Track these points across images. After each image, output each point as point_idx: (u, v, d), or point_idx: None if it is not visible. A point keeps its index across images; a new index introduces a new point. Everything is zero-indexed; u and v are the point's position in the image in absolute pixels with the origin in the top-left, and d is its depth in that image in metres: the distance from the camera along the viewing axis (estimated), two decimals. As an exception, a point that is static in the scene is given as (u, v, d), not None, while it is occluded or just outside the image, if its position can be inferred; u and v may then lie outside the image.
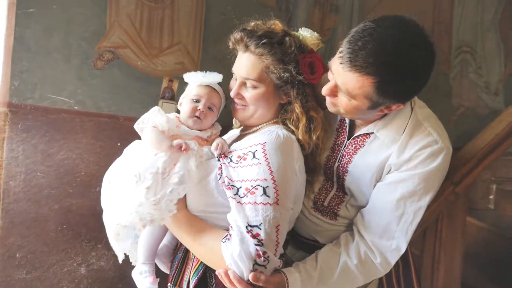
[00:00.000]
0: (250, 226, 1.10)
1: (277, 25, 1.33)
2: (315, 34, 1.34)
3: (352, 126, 1.40)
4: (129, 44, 2.17)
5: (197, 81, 1.35)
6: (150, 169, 1.19)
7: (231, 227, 1.14)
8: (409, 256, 1.57)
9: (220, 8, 2.49)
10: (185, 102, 1.34)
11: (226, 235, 1.14)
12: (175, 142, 1.21)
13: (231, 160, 1.22)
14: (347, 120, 1.39)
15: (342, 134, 1.42)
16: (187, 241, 1.26)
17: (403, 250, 1.26)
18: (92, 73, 2.03)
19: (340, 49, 1.14)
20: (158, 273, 1.44)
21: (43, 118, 1.89)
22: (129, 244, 1.45)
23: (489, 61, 2.98)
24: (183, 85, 2.36)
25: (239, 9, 2.53)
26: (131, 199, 1.17)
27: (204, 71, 1.36)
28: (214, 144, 1.27)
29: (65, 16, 1.92)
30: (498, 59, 3.00)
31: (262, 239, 1.09)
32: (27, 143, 1.88)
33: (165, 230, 1.40)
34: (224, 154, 1.25)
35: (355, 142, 1.36)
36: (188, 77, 1.38)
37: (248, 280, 1.09)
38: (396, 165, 1.26)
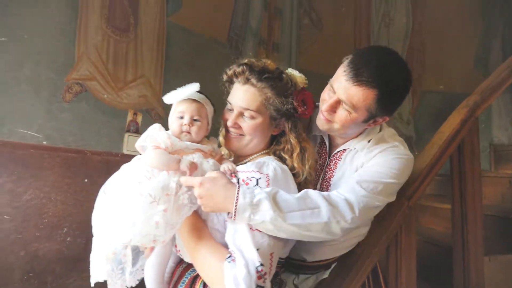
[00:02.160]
0: None
1: (270, 64, 1.43)
2: (302, 75, 1.48)
3: (330, 147, 1.58)
4: (97, 76, 2.11)
5: (177, 99, 1.33)
6: (164, 190, 1.17)
7: (232, 250, 1.16)
8: (378, 268, 1.78)
9: (179, 43, 2.56)
10: (171, 122, 1.33)
11: (230, 256, 1.15)
12: (184, 164, 1.22)
13: (238, 182, 1.25)
14: (326, 142, 1.58)
15: (323, 154, 1.58)
16: (187, 247, 1.26)
17: (356, 214, 1.26)
18: (61, 106, 1.92)
19: (343, 69, 1.30)
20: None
21: (10, 155, 1.72)
22: (110, 269, 1.30)
23: (401, 95, 3.55)
24: (147, 118, 2.37)
25: (196, 44, 2.63)
26: (143, 219, 1.13)
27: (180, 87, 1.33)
28: (223, 168, 1.29)
29: (36, 47, 1.82)
30: (407, 95, 3.59)
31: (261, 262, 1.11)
32: (-8, 183, 1.68)
33: (170, 250, 1.36)
34: (234, 173, 1.28)
35: (335, 158, 1.54)
36: (167, 99, 1.35)
37: None
38: (364, 163, 1.45)
